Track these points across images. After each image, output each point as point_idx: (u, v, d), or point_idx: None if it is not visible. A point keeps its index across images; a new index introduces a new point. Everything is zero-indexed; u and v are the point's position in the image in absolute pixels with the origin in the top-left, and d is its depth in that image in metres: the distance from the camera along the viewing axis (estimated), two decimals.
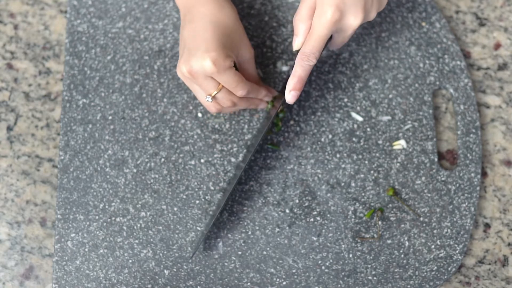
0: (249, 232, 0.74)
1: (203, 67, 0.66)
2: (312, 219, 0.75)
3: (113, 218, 0.74)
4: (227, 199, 0.75)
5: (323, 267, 0.74)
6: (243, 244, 0.74)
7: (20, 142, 0.77)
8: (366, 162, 0.76)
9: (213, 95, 0.69)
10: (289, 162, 0.76)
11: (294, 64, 0.71)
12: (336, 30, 0.68)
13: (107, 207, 0.74)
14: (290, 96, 0.68)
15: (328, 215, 0.75)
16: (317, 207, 0.75)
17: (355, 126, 0.77)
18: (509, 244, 0.76)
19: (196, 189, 0.75)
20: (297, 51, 0.70)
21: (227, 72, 0.67)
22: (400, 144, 0.77)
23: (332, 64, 0.79)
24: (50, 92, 0.79)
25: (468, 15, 0.83)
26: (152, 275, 0.73)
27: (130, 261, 0.73)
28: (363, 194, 0.76)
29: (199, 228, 0.74)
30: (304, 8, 0.68)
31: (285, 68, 0.79)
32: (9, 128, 0.78)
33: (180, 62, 0.69)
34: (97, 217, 0.74)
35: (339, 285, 0.73)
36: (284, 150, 0.76)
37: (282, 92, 0.73)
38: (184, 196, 0.75)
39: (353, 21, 0.67)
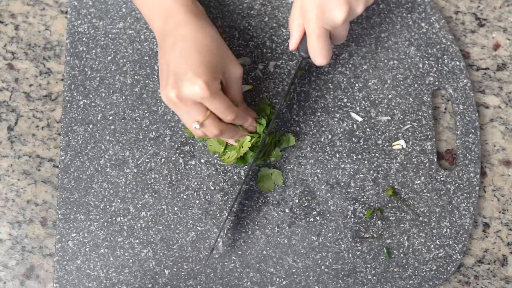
0: (249, 232, 0.74)
1: (193, 92, 0.63)
2: (311, 219, 0.75)
3: (114, 218, 0.74)
4: (235, 199, 0.74)
5: (322, 267, 0.74)
6: (243, 244, 0.74)
7: (21, 142, 0.77)
8: (366, 162, 0.76)
9: (201, 122, 0.66)
10: (288, 162, 0.76)
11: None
12: (326, 25, 0.67)
13: (107, 207, 0.75)
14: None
15: (328, 215, 0.75)
16: (316, 207, 0.75)
17: (355, 126, 0.77)
18: (508, 244, 0.76)
19: (196, 189, 0.75)
20: (294, 50, 0.71)
21: (217, 96, 0.65)
22: (400, 144, 0.77)
23: (332, 64, 0.79)
24: (50, 92, 0.79)
25: (467, 16, 0.83)
26: (153, 275, 0.73)
27: (131, 260, 0.74)
28: (362, 194, 0.76)
29: (199, 228, 0.74)
30: (294, 8, 0.69)
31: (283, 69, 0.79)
32: (10, 128, 0.78)
33: (167, 87, 0.65)
34: (97, 217, 0.74)
35: (338, 285, 0.74)
36: (283, 150, 0.76)
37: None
38: (184, 196, 0.75)
39: (338, 15, 0.66)
